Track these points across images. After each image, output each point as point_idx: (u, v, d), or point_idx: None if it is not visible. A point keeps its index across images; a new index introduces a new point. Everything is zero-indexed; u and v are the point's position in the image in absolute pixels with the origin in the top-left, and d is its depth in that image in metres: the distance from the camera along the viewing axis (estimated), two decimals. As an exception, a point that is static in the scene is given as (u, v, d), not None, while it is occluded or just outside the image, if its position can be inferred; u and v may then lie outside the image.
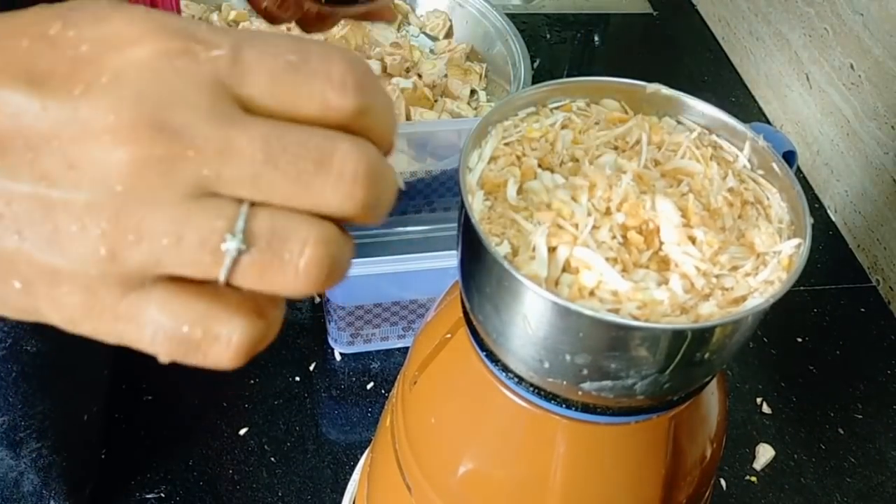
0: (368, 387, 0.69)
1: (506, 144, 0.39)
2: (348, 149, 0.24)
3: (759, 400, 0.72)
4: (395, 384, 0.48)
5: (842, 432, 0.70)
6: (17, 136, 0.22)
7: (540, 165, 0.38)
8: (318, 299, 0.74)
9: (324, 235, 0.24)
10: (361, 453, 0.64)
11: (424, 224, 0.80)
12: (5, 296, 0.24)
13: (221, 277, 0.24)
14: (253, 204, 0.24)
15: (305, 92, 0.24)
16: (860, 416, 0.72)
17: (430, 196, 0.79)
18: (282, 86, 0.24)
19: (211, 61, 0.23)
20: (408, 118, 0.86)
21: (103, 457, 0.63)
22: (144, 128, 0.22)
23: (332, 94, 0.24)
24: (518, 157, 0.38)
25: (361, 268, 0.62)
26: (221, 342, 0.24)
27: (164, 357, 0.24)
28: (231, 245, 0.23)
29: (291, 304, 0.74)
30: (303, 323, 0.70)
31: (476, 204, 0.36)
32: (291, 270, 0.24)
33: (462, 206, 0.35)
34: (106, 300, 0.24)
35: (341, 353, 0.71)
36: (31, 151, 0.22)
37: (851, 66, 0.85)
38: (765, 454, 0.68)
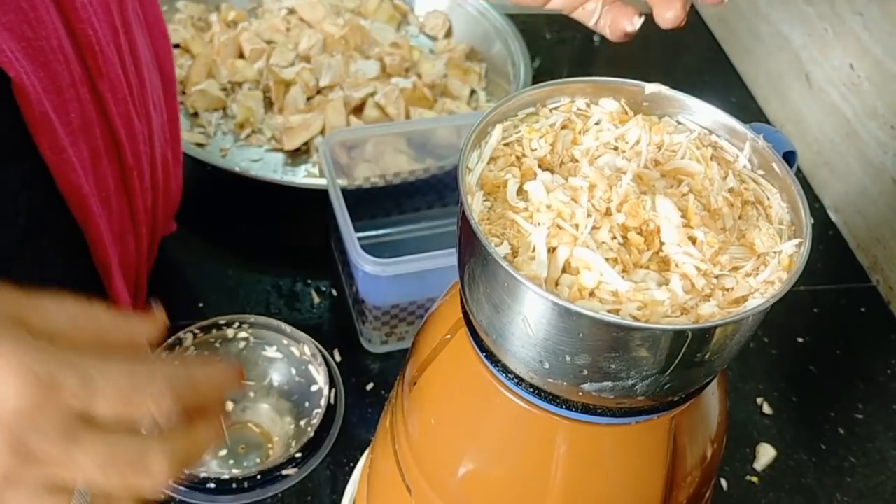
0: (368, 387, 0.69)
1: (505, 145, 0.39)
2: (157, 452, 0.33)
3: (759, 400, 0.72)
4: (395, 385, 0.48)
5: (842, 432, 0.70)
6: None
7: (540, 166, 0.38)
8: (317, 300, 0.74)
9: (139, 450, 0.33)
10: (361, 454, 0.63)
11: (438, 219, 0.80)
12: None
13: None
14: None
15: (139, 407, 0.32)
16: (861, 416, 0.72)
17: (443, 192, 0.80)
18: (122, 402, 0.32)
19: (66, 396, 0.31)
20: (407, 118, 0.86)
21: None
22: (6, 451, 0.30)
23: (152, 404, 0.33)
24: (518, 158, 0.38)
25: (389, 268, 0.62)
26: None
27: None
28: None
29: (291, 307, 0.74)
30: (301, 324, 0.70)
31: (475, 204, 0.36)
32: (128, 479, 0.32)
33: (462, 207, 0.35)
34: None
35: (341, 355, 0.71)
36: None
37: (851, 66, 0.85)
38: (765, 454, 0.68)
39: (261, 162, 0.84)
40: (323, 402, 0.62)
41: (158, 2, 0.65)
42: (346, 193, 0.73)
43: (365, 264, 0.62)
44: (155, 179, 0.63)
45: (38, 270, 0.52)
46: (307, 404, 0.65)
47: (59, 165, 0.49)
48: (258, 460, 0.63)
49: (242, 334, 0.67)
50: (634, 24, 0.43)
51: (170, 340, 0.64)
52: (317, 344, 0.66)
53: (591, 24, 0.44)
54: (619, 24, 0.44)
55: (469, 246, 0.35)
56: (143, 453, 0.32)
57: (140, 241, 0.61)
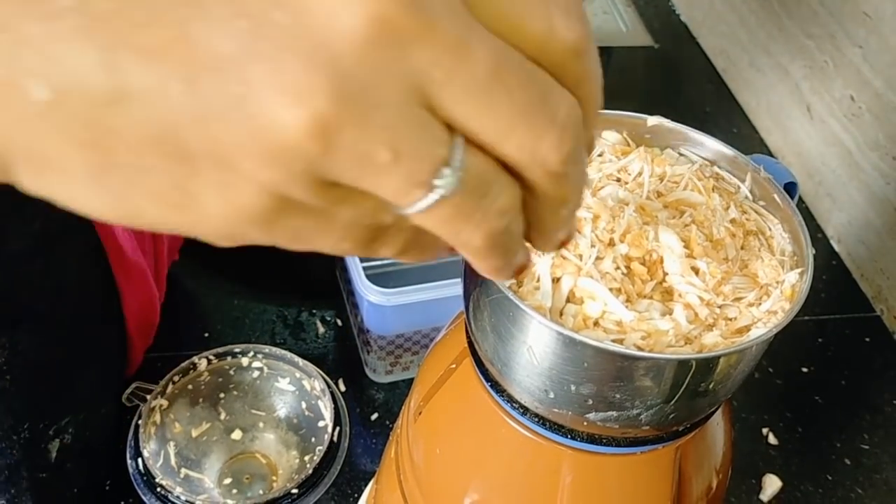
0: (373, 417, 0.69)
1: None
2: (564, 93, 0.22)
3: (765, 430, 0.71)
4: (400, 415, 0.48)
5: (848, 462, 0.70)
6: None
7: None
8: (322, 330, 0.75)
9: (514, 196, 0.22)
10: (365, 485, 0.63)
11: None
12: (146, 177, 0.20)
13: (411, 210, 0.21)
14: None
15: (536, 11, 0.21)
16: (867, 447, 0.71)
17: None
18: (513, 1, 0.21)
19: (425, 50, 0.20)
20: None
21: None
22: None
23: (559, 19, 0.21)
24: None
25: (394, 298, 0.62)
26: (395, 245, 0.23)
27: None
28: (447, 182, 0.21)
29: (297, 337, 0.74)
30: (306, 354, 0.71)
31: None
32: (480, 225, 0.22)
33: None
34: (287, 188, 0.20)
35: (346, 385, 0.71)
36: None
37: (852, 98, 0.85)
38: (772, 485, 0.68)
39: None
40: (326, 438, 0.62)
41: None
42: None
43: (370, 294, 0.62)
44: None
45: (52, 275, 0.52)
46: (313, 440, 0.65)
47: None
48: (261, 491, 0.63)
49: (257, 364, 0.67)
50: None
51: (183, 365, 0.64)
52: (327, 379, 0.66)
53: None
54: None
55: (474, 276, 0.36)
56: (550, 86, 0.22)
57: (159, 256, 0.61)
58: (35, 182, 0.21)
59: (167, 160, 0.19)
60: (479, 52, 0.20)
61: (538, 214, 0.24)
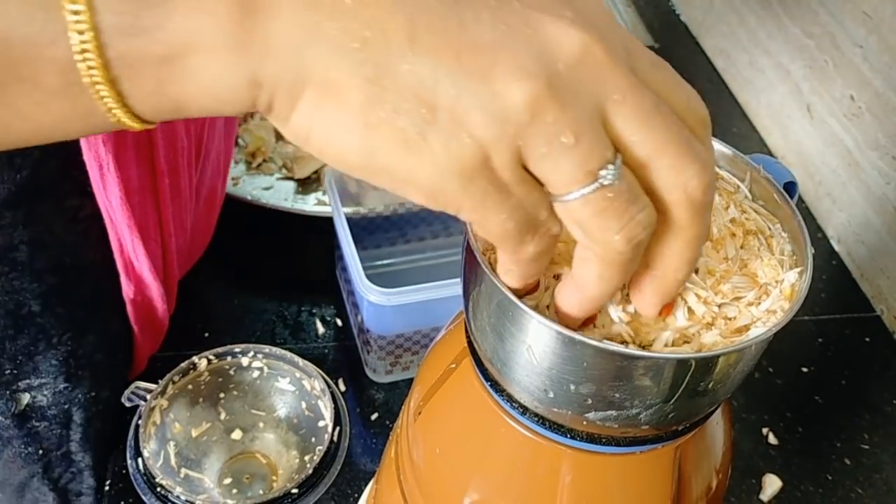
0: (373, 417, 0.69)
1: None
2: (701, 145, 0.29)
3: (764, 430, 0.71)
4: (400, 415, 0.48)
5: (848, 463, 0.70)
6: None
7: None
8: (322, 330, 0.75)
9: (652, 216, 0.28)
10: (365, 485, 0.63)
11: (441, 249, 0.81)
12: (402, 118, 0.26)
13: (574, 196, 0.27)
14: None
15: (682, 86, 0.29)
16: (867, 447, 0.71)
17: (447, 221, 0.80)
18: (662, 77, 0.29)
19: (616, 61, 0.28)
20: None
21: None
22: (596, 29, 0.27)
23: (693, 98, 0.30)
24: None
25: (394, 298, 0.62)
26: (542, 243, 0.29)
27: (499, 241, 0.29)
28: (610, 174, 0.27)
29: (296, 337, 0.74)
30: (306, 354, 0.71)
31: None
32: (626, 224, 0.28)
33: (466, 237, 0.35)
34: (494, 153, 0.27)
35: (345, 385, 0.71)
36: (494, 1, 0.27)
37: (852, 98, 0.85)
38: (771, 485, 0.68)
39: (272, 190, 0.85)
40: (326, 438, 0.62)
41: None
42: (353, 222, 0.74)
43: (370, 294, 0.62)
44: (198, 200, 0.64)
45: (33, 227, 0.52)
46: (313, 440, 0.65)
47: None
48: (261, 491, 0.63)
49: (257, 364, 0.67)
50: None
51: (183, 365, 0.64)
52: (327, 379, 0.66)
53: None
54: None
55: (473, 276, 0.36)
56: (689, 135, 0.28)
57: (168, 250, 0.61)
58: (313, 110, 0.27)
59: (421, 106, 0.26)
60: (648, 91, 0.28)
61: (662, 251, 0.30)
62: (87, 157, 0.50)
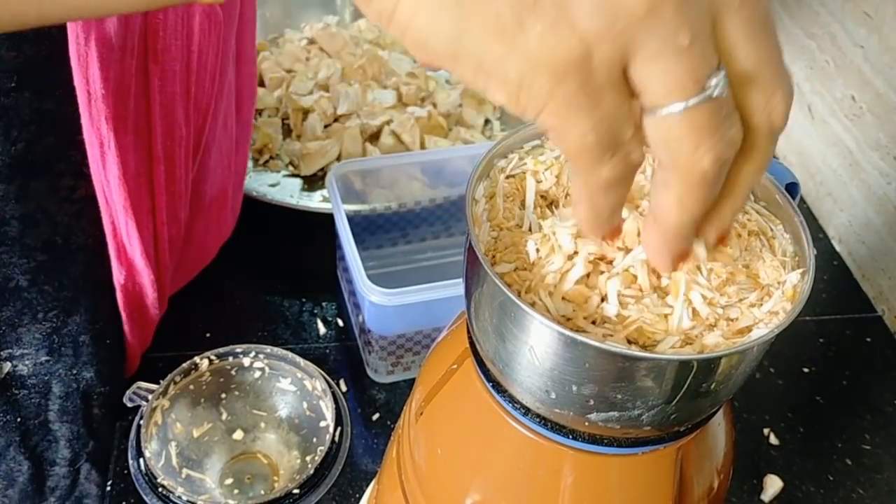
0: (374, 418, 0.69)
1: (510, 178, 0.39)
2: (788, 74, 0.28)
3: (766, 431, 0.71)
4: (402, 415, 0.49)
5: (850, 463, 0.70)
6: None
7: (544, 197, 0.38)
8: (323, 330, 0.75)
9: (740, 135, 0.27)
10: (367, 485, 0.63)
11: (443, 250, 0.81)
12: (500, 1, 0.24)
13: (676, 108, 0.25)
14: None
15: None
16: (868, 447, 0.71)
17: (448, 221, 0.80)
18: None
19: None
20: (422, 146, 0.87)
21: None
22: None
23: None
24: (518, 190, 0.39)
25: (395, 298, 0.62)
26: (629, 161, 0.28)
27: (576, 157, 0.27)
28: (718, 82, 0.25)
29: (298, 336, 0.74)
30: (307, 354, 0.71)
31: (482, 235, 0.36)
32: (718, 142, 0.26)
33: (468, 238, 0.35)
34: (596, 50, 0.25)
35: (347, 385, 0.71)
36: None
37: (853, 98, 0.85)
38: (773, 485, 0.68)
39: (278, 187, 0.85)
40: (327, 438, 0.62)
41: (255, 45, 0.67)
42: (355, 222, 0.74)
43: (372, 294, 0.62)
44: (202, 198, 0.64)
45: (23, 203, 0.52)
46: (314, 440, 0.65)
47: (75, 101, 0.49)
48: (262, 492, 0.63)
49: (258, 364, 0.67)
50: None
51: (185, 365, 0.64)
52: (328, 379, 0.66)
53: None
54: None
55: (475, 276, 0.36)
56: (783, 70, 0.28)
57: (160, 239, 0.61)
58: None
59: None
60: (760, 6, 0.26)
61: (735, 176, 0.29)
62: (88, 134, 0.50)
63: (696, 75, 0.25)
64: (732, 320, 0.34)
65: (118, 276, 0.59)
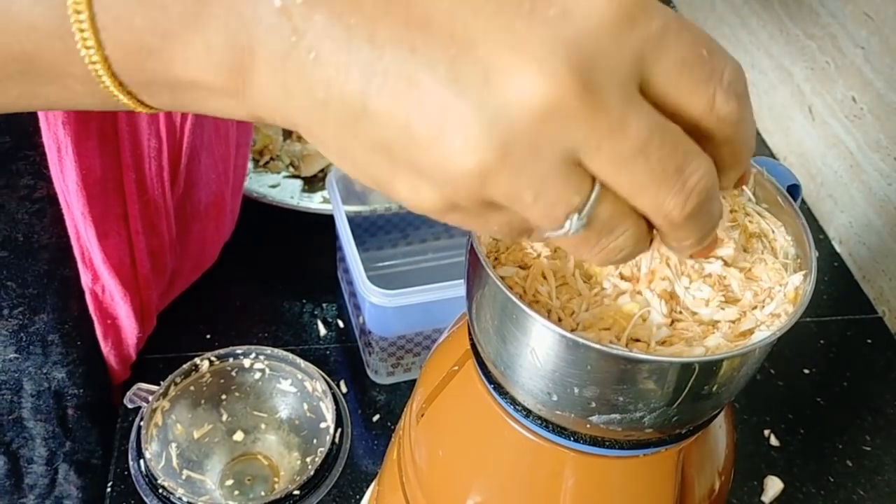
0: (374, 419, 0.69)
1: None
2: (702, 161, 0.26)
3: (766, 432, 0.71)
4: (402, 416, 0.48)
5: (850, 464, 0.70)
6: (446, 31, 0.24)
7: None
8: (324, 331, 0.75)
9: (636, 235, 0.27)
10: (367, 487, 0.63)
11: (444, 251, 0.81)
12: (371, 165, 0.27)
13: (547, 237, 0.27)
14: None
15: (700, 88, 0.25)
16: (869, 449, 0.71)
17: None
18: (683, 77, 0.25)
19: (643, 36, 0.24)
20: None
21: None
22: (570, 76, 0.23)
23: (720, 98, 0.25)
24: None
25: (396, 299, 0.62)
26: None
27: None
28: (573, 225, 0.26)
29: (298, 338, 0.74)
30: (307, 356, 0.71)
31: (483, 236, 0.36)
32: (598, 254, 0.28)
33: (470, 239, 0.35)
34: (455, 200, 0.26)
35: (347, 386, 0.71)
36: (454, 48, 0.24)
37: (853, 99, 0.85)
38: (773, 487, 0.68)
39: (278, 188, 0.85)
40: (328, 440, 0.62)
41: None
42: (355, 223, 0.74)
43: (372, 295, 0.62)
44: (194, 205, 0.63)
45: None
46: (315, 441, 0.65)
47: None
48: (263, 493, 0.63)
49: (259, 365, 0.67)
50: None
51: (185, 366, 0.64)
52: (328, 380, 0.66)
53: None
54: None
55: (477, 277, 0.36)
56: (689, 156, 0.25)
57: (136, 249, 0.60)
58: (312, 141, 0.28)
59: (383, 159, 0.26)
60: (632, 129, 0.24)
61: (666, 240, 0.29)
62: (46, 137, 0.50)
63: (552, 218, 0.26)
64: (734, 322, 0.34)
65: (85, 280, 0.59)
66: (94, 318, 0.61)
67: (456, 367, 0.42)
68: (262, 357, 0.67)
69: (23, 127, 0.50)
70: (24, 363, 0.58)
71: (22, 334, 0.57)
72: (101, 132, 0.53)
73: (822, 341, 0.80)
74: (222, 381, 0.66)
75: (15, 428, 0.60)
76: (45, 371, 0.60)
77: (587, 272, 0.35)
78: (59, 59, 0.29)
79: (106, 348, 0.64)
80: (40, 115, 0.49)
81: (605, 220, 0.26)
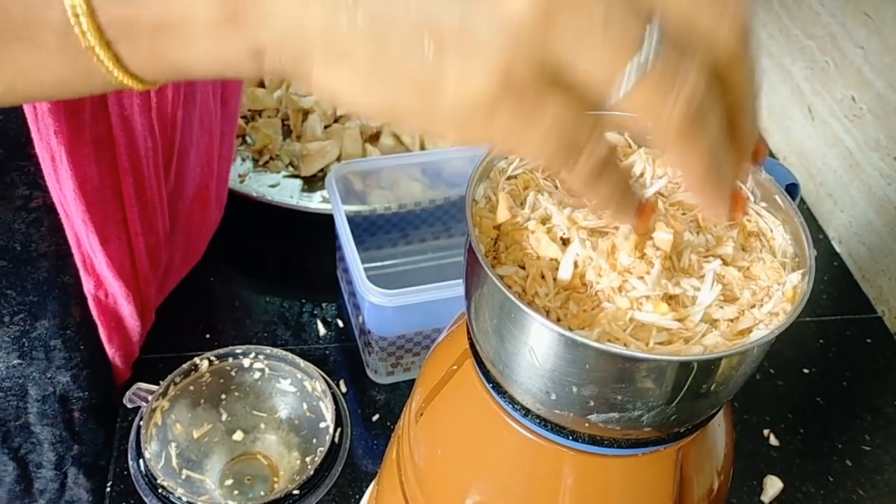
0: (374, 419, 0.69)
1: (511, 178, 0.39)
2: None
3: (766, 432, 0.71)
4: (401, 416, 0.48)
5: (850, 464, 0.70)
6: None
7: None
8: (323, 331, 0.75)
9: (708, 77, 0.25)
10: (367, 486, 0.63)
11: (443, 251, 0.81)
12: (412, 56, 0.25)
13: (622, 92, 0.25)
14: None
15: None
16: (868, 448, 0.71)
17: (448, 222, 0.80)
18: None
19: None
20: (422, 147, 0.88)
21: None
22: None
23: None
24: (523, 190, 0.39)
25: (395, 299, 0.62)
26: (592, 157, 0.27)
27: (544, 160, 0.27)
28: (647, 48, 0.24)
29: (297, 337, 0.74)
30: (307, 355, 0.71)
31: (482, 236, 0.36)
32: (673, 107, 0.25)
33: (468, 239, 0.35)
34: (513, 69, 0.24)
35: (346, 386, 0.71)
36: None
37: (853, 99, 0.85)
38: (773, 486, 0.67)
39: (278, 187, 0.85)
40: (327, 439, 0.62)
41: None
42: (355, 223, 0.74)
43: (371, 295, 0.62)
44: (181, 197, 0.63)
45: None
46: (314, 441, 0.65)
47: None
48: (262, 493, 0.63)
49: (258, 365, 0.67)
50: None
51: (185, 366, 0.64)
52: (328, 380, 0.66)
53: None
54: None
55: (475, 277, 0.36)
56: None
57: (135, 250, 0.60)
58: (327, 72, 0.26)
59: (427, 42, 0.24)
60: None
61: (732, 103, 0.27)
62: (39, 148, 0.50)
63: (620, 58, 0.24)
64: (732, 321, 0.34)
65: (88, 286, 0.59)
66: (98, 322, 0.61)
67: (455, 367, 0.42)
68: (261, 357, 0.67)
69: (14, 138, 0.50)
70: (27, 368, 0.58)
71: (24, 340, 0.57)
72: (96, 139, 0.53)
73: (821, 341, 0.80)
74: (222, 380, 0.66)
75: (22, 433, 0.60)
76: (49, 376, 0.60)
77: (585, 273, 0.35)
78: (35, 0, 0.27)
79: (111, 350, 0.64)
80: (32, 125, 0.49)
81: (673, 47, 0.25)
